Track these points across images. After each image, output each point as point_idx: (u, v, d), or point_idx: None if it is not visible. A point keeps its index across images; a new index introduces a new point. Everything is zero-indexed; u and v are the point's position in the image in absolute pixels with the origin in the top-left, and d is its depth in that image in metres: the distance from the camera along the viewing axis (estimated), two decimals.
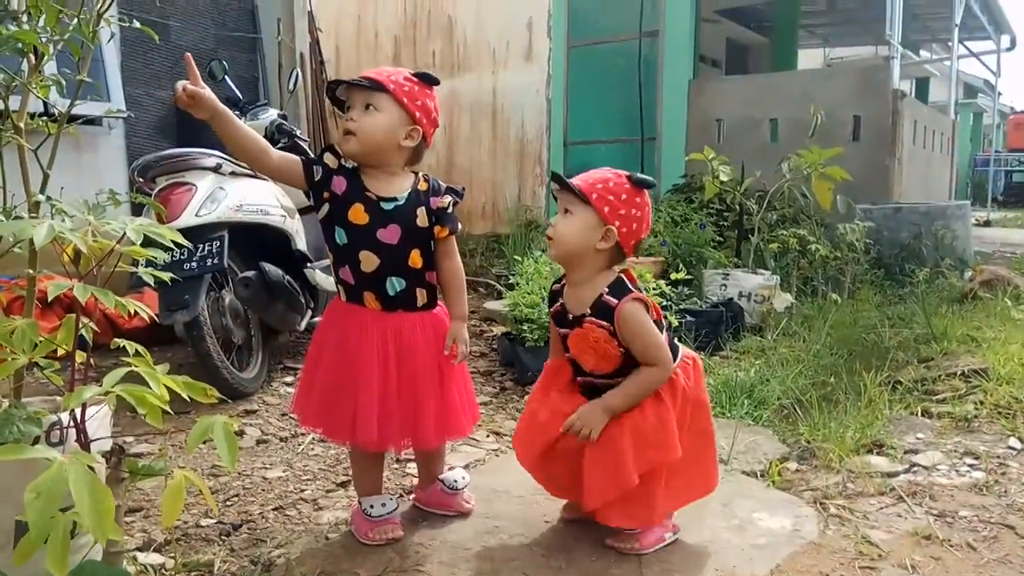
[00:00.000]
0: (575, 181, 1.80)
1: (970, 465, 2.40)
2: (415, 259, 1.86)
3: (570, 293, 1.87)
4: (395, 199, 1.84)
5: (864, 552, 1.86)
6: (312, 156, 1.88)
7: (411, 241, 1.85)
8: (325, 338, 1.91)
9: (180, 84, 1.65)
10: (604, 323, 1.77)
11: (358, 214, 1.82)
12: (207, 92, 1.67)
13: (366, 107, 1.80)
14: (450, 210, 1.89)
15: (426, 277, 1.89)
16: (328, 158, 1.85)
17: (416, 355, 1.85)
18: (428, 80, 1.86)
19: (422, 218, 1.86)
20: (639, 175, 1.82)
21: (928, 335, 3.79)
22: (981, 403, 2.90)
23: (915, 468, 2.39)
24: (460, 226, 1.91)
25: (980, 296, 4.75)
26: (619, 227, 1.78)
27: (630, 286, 1.81)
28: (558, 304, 1.90)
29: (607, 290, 1.79)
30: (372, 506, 1.91)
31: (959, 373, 3.19)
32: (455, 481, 2.04)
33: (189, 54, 1.70)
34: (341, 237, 1.84)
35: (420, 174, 1.92)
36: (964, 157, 17.82)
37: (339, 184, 1.83)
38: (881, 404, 2.85)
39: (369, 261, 1.82)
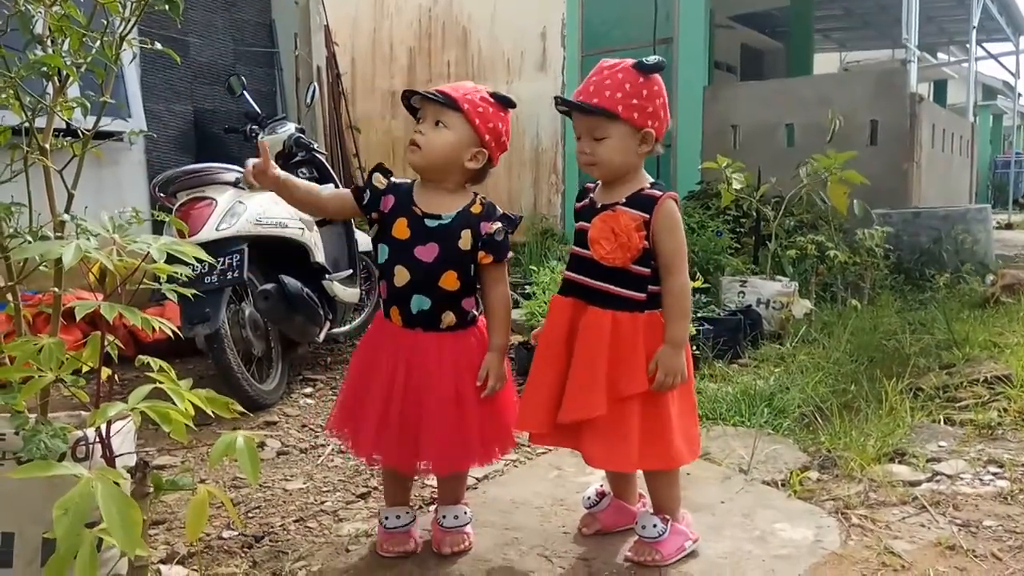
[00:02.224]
0: (589, 98, 1.74)
1: (994, 474, 2.37)
2: (448, 280, 1.81)
3: (605, 190, 1.86)
4: (440, 217, 1.82)
5: (887, 563, 1.84)
6: (361, 187, 1.88)
7: (447, 262, 1.81)
8: (358, 349, 1.99)
9: (252, 163, 1.77)
10: (640, 212, 1.76)
11: (401, 228, 1.82)
12: (273, 171, 1.82)
13: (436, 123, 1.80)
14: (499, 237, 1.83)
15: (460, 301, 1.85)
16: (377, 178, 1.86)
17: (426, 376, 1.81)
18: (505, 103, 1.84)
19: (465, 240, 1.81)
20: (644, 60, 1.75)
21: (949, 341, 3.76)
22: (1005, 410, 2.87)
23: (938, 477, 2.36)
24: (511, 254, 1.88)
25: (1002, 301, 4.70)
26: (652, 125, 1.76)
27: (666, 187, 1.83)
28: (586, 200, 1.89)
29: (648, 186, 1.80)
30: (387, 517, 1.92)
31: (982, 379, 3.16)
32: (444, 517, 1.93)
33: (266, 143, 1.84)
34: (383, 253, 1.85)
35: (478, 197, 1.88)
36: (984, 159, 17.62)
37: (387, 202, 1.84)
38: (903, 412, 2.83)
39: (401, 276, 1.81)
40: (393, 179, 1.88)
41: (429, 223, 1.82)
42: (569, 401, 1.79)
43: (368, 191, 1.85)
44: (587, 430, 1.80)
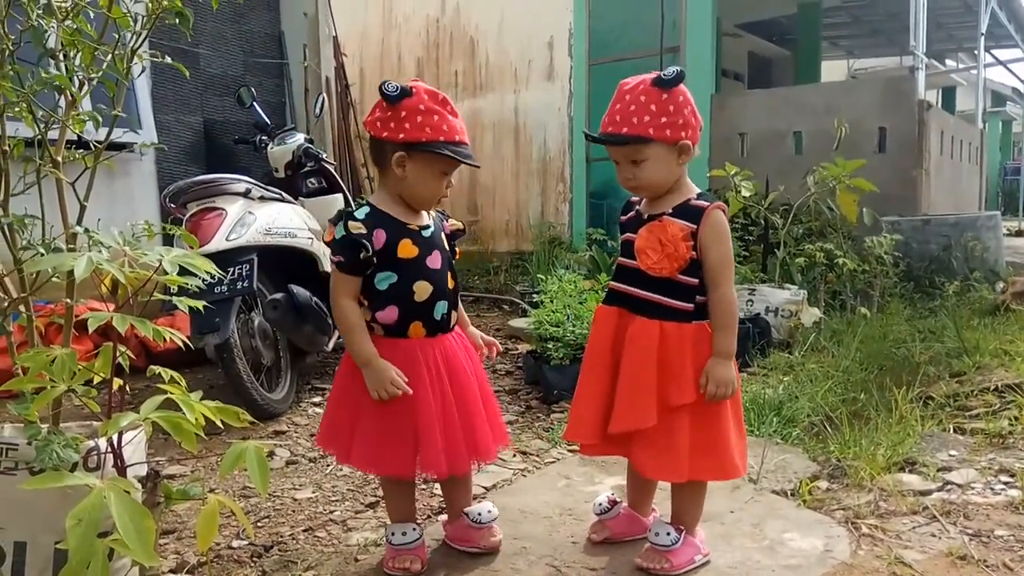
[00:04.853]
0: (619, 128, 1.75)
1: (1005, 483, 2.36)
2: (450, 281, 1.90)
3: (651, 201, 1.86)
4: (429, 227, 1.89)
5: (898, 573, 1.83)
6: (347, 256, 1.78)
7: (447, 264, 1.90)
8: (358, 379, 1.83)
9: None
10: (687, 223, 1.76)
11: (407, 248, 1.82)
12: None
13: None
14: (459, 234, 2.00)
15: (457, 298, 1.94)
16: (353, 226, 1.77)
17: (459, 372, 1.88)
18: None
19: (445, 242, 1.92)
20: (663, 75, 1.75)
21: (960, 349, 3.74)
22: (1016, 419, 2.85)
23: (949, 486, 2.35)
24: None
25: (1013, 308, 4.67)
26: (686, 136, 1.76)
27: (713, 198, 1.82)
28: (632, 212, 1.90)
29: (695, 196, 1.81)
30: (393, 533, 1.89)
31: (992, 388, 3.14)
32: (479, 514, 1.96)
33: None
34: (387, 280, 1.81)
35: None
36: (994, 166, 17.52)
37: (379, 237, 1.79)
38: (913, 420, 2.81)
39: (423, 290, 1.83)
40: (357, 214, 1.81)
41: (425, 234, 1.87)
42: (619, 412, 1.80)
43: (365, 244, 1.77)
44: (637, 440, 1.81)
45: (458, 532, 1.99)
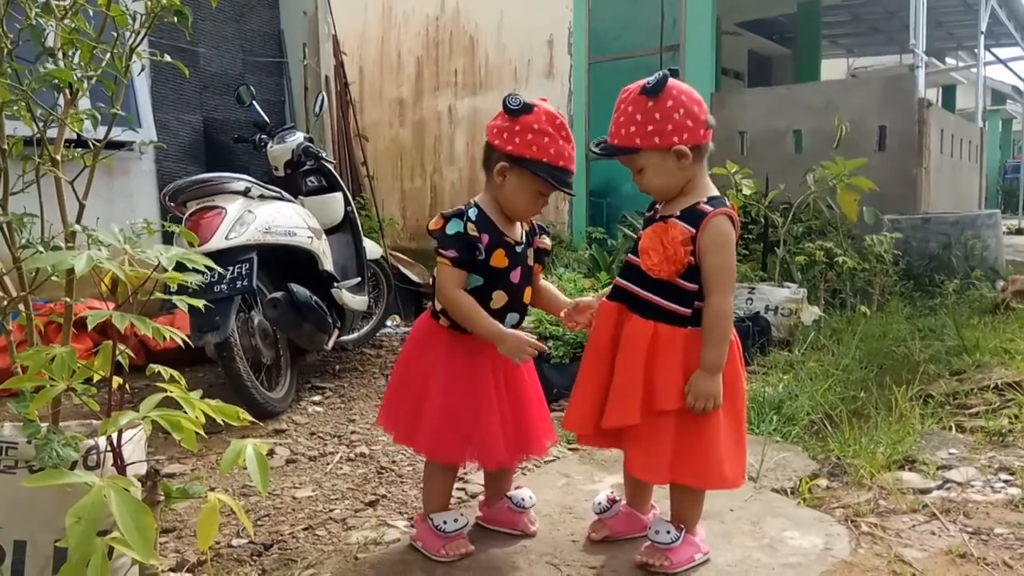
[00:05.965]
0: (612, 139, 1.79)
1: (1005, 481, 2.36)
2: (527, 295, 1.98)
3: (667, 202, 1.87)
4: (521, 243, 1.95)
5: (897, 571, 1.83)
6: (463, 253, 1.84)
7: (526, 279, 1.97)
8: (428, 361, 1.94)
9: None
10: (689, 227, 1.75)
11: (500, 258, 1.89)
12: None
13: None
14: (547, 248, 2.06)
15: (527, 309, 2.02)
16: (471, 227, 1.85)
17: (516, 371, 1.97)
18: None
19: (530, 258, 1.99)
20: (648, 84, 1.74)
21: (960, 347, 3.74)
22: (1016, 417, 2.85)
23: (948, 484, 2.35)
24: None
25: (1012, 307, 4.67)
26: (680, 140, 1.74)
27: (726, 202, 1.81)
28: (652, 210, 1.92)
29: (705, 200, 1.79)
30: (445, 522, 1.93)
31: (992, 386, 3.14)
32: (522, 499, 2.06)
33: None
34: (474, 282, 1.89)
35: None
36: (993, 164, 17.53)
37: (483, 240, 1.87)
38: (912, 419, 2.81)
39: (499, 299, 1.91)
40: (470, 214, 1.86)
41: (517, 249, 1.93)
42: (609, 407, 1.82)
43: (476, 244, 1.85)
44: (627, 437, 1.84)
45: (498, 514, 2.08)
